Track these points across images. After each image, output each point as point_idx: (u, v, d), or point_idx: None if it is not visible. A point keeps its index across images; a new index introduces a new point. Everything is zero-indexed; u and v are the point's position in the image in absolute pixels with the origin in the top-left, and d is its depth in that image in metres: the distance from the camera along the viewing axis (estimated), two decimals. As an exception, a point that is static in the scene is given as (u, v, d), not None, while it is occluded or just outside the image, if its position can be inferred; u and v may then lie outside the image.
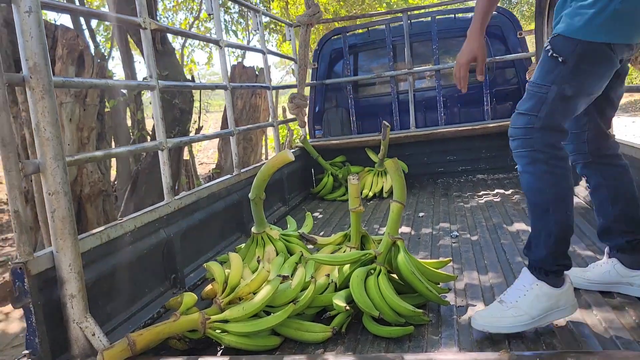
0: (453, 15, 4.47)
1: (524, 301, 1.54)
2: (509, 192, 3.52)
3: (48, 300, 1.47)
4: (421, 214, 3.16)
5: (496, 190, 3.60)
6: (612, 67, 1.54)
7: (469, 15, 4.49)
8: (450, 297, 1.86)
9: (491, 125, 4.03)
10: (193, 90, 5.63)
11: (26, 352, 1.41)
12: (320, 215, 3.47)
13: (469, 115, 4.38)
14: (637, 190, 1.76)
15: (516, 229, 2.61)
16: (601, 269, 1.78)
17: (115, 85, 2.18)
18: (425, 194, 3.74)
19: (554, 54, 1.51)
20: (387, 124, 3.75)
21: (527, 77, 4.04)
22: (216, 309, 1.69)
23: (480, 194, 3.56)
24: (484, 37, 1.73)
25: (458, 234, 2.63)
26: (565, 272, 1.60)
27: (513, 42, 4.21)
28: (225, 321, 1.64)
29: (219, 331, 1.62)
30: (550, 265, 1.57)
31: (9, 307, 4.25)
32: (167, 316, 1.95)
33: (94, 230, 1.72)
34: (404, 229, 2.86)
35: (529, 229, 2.53)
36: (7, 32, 3.77)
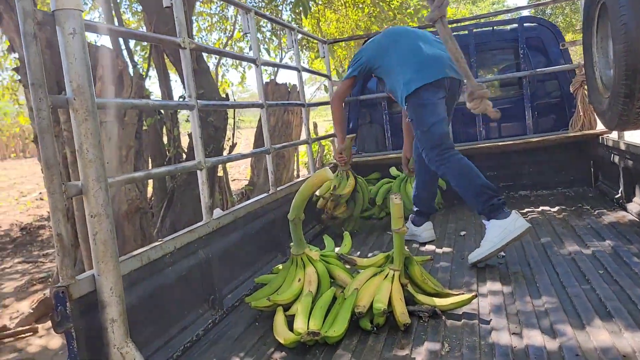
0: (491, 28, 4.37)
1: (488, 236, 2.32)
2: (555, 209, 3.37)
3: (89, 325, 1.45)
4: (462, 233, 3.05)
5: (541, 208, 3.45)
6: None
7: (508, 27, 4.39)
8: (503, 323, 1.75)
9: (533, 139, 3.89)
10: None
11: (67, 377, 1.38)
12: (356, 234, 3.39)
13: (510, 130, 4.25)
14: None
15: (568, 250, 2.47)
16: None
17: (155, 105, 2.18)
18: (464, 212, 3.61)
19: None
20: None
21: (570, 89, 3.90)
22: None
23: (524, 211, 3.42)
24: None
25: (505, 254, 2.51)
26: (507, 209, 2.35)
27: (555, 54, 4.07)
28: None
29: None
30: (488, 209, 2.35)
31: (49, 323, 4.31)
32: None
33: (134, 252, 1.70)
34: (445, 249, 2.76)
35: (582, 249, 2.43)
36: (50, 54, 3.87)
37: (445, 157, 2.57)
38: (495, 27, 4.40)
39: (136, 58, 8.41)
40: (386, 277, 1.99)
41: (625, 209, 3.08)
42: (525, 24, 4.13)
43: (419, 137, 2.70)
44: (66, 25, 1.41)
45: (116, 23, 5.99)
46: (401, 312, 1.84)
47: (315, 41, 4.74)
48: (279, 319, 1.90)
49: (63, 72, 1.43)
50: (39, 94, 1.35)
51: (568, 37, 16.91)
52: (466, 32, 4.27)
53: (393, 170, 3.94)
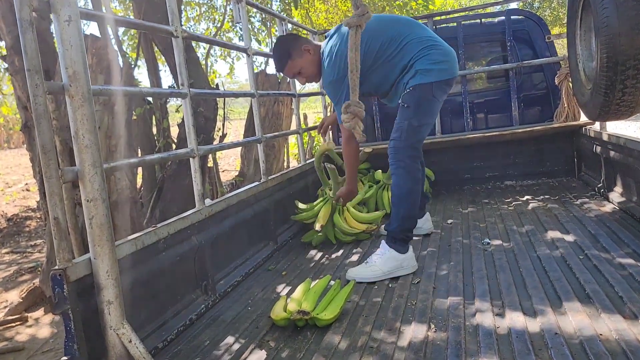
0: (479, 21, 4.43)
1: (379, 261, 2.26)
2: (539, 198, 3.45)
3: (86, 307, 1.48)
4: (450, 221, 3.12)
5: (526, 197, 3.53)
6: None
7: (495, 20, 4.45)
8: (486, 306, 1.82)
9: (519, 130, 3.97)
10: (217, 98, 5.68)
11: (65, 358, 1.42)
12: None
13: (496, 121, 4.32)
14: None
15: (550, 237, 2.55)
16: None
17: (148, 93, 2.20)
18: (452, 201, 3.69)
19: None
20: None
21: (555, 81, 3.97)
22: None
23: (510, 200, 3.50)
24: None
25: (490, 242, 2.58)
26: (409, 243, 2.33)
27: (541, 46, 4.14)
28: None
29: None
30: (399, 235, 2.31)
31: (39, 312, 4.31)
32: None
33: (130, 237, 1.73)
34: (433, 237, 2.82)
35: (564, 236, 2.50)
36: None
37: (412, 163, 2.36)
38: (483, 20, 4.45)
39: (125, 47, 8.35)
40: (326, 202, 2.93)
41: (606, 198, 3.17)
42: (512, 17, 4.19)
43: (404, 128, 2.37)
44: (62, 13, 1.43)
45: (104, 10, 5.94)
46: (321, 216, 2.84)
47: (305, 32, 4.75)
48: (280, 302, 1.96)
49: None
50: (35, 80, 1.37)
51: (555, 30, 17.01)
52: (454, 24, 4.32)
53: (377, 175, 3.83)
